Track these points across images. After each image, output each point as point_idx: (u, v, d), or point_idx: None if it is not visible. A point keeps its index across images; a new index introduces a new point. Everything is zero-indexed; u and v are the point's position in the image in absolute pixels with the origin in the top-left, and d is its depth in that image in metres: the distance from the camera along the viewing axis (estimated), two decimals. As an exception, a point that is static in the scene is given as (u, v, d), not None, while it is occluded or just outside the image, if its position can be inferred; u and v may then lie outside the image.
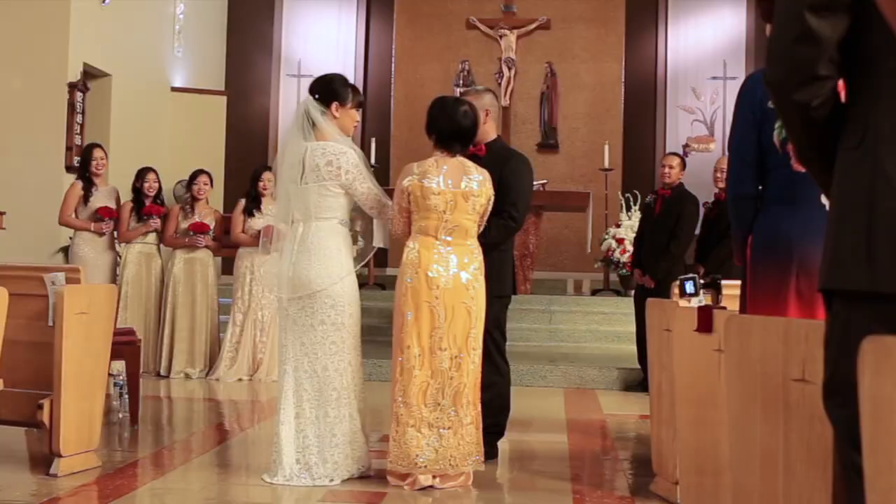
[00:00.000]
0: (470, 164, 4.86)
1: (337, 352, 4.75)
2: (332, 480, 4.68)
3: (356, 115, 4.98)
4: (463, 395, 4.68)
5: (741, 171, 3.52)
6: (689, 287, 3.74)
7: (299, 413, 4.75)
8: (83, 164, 8.59)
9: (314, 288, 4.72)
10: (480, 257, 4.83)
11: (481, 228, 4.90)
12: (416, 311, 4.68)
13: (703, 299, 3.70)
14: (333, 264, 4.76)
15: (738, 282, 3.76)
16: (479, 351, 4.78)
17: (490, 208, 4.90)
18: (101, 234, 8.43)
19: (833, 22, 1.81)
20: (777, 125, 3.31)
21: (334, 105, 4.87)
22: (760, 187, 3.54)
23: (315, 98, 4.88)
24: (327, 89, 4.91)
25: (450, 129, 4.81)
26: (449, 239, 4.74)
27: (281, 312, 4.89)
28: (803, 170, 3.23)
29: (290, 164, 4.84)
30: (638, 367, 8.39)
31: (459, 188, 4.73)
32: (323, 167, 4.76)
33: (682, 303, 3.88)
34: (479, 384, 4.79)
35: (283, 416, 4.75)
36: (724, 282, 3.83)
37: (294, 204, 4.83)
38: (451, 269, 4.71)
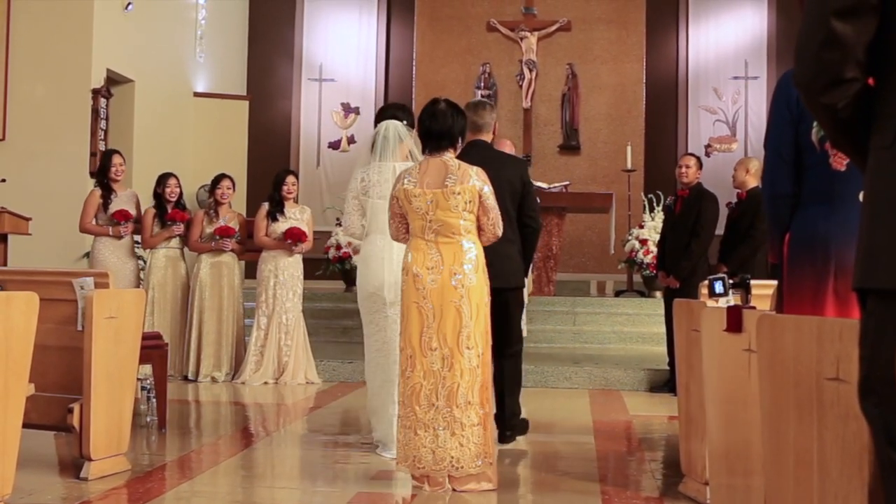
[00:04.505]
0: (454, 163, 4.84)
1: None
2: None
3: None
4: (458, 395, 4.62)
5: (778, 170, 3.46)
6: (719, 287, 3.72)
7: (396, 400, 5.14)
8: (102, 171, 8.59)
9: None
10: (473, 254, 4.76)
11: (492, 228, 4.84)
12: (406, 312, 4.73)
13: (732, 299, 3.68)
14: None
15: (767, 281, 3.74)
16: (477, 350, 4.68)
17: (491, 204, 4.80)
18: (119, 238, 8.45)
19: (859, 26, 1.82)
20: (815, 123, 3.28)
21: (413, 131, 5.62)
22: (797, 186, 3.49)
23: (404, 124, 5.71)
24: (412, 117, 5.81)
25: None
26: (434, 238, 4.75)
27: (379, 312, 5.50)
28: (841, 168, 3.22)
29: (381, 181, 5.52)
30: (663, 367, 8.38)
31: (440, 187, 4.75)
32: None
33: (711, 303, 3.86)
34: (486, 384, 4.73)
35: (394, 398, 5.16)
36: (752, 281, 3.80)
37: (381, 216, 5.31)
38: (438, 268, 4.71)
